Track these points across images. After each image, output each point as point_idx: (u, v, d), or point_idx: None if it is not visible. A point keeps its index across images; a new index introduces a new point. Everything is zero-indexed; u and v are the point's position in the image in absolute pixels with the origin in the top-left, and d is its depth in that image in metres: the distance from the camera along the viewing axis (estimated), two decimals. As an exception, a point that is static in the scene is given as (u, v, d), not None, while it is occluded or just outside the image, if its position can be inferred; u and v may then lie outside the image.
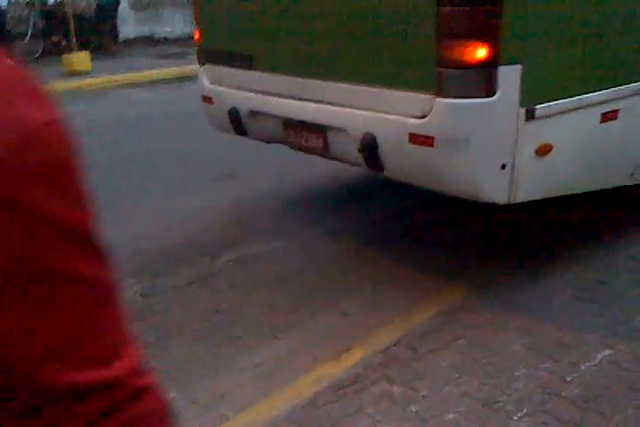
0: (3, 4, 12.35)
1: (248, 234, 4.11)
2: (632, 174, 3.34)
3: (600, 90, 2.92)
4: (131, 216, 4.53)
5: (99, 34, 13.49)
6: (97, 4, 13.38)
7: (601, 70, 2.94)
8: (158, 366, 2.77)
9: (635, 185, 3.42)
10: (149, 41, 14.81)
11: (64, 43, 12.79)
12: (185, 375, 2.72)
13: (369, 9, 2.94)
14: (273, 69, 3.56)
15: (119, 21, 13.98)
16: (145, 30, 14.90)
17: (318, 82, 3.28)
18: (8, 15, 12.67)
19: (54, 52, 12.56)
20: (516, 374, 2.54)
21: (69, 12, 11.95)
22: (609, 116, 3.01)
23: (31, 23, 12.84)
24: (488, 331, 2.85)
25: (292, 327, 3.03)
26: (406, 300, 3.16)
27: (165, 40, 15.00)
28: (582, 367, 2.54)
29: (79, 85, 10.25)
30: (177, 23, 15.28)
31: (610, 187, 3.36)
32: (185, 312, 3.23)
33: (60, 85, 10.14)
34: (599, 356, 2.61)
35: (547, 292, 3.14)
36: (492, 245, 3.73)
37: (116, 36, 13.85)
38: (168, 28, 15.23)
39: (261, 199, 4.71)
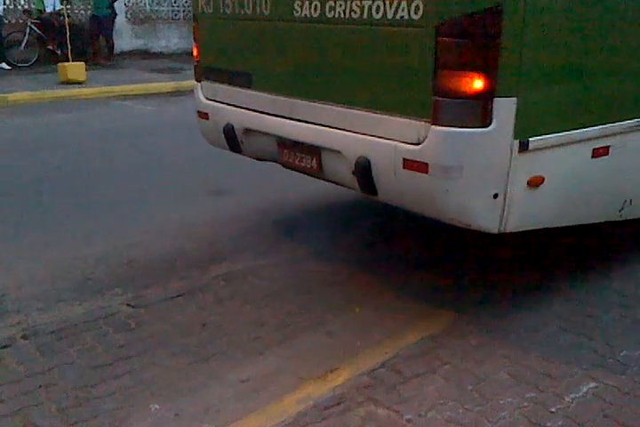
0: (-1, 10, 12.37)
1: (237, 250, 4.13)
2: (621, 210, 3.41)
3: (593, 126, 2.99)
4: (121, 227, 4.54)
5: (94, 45, 13.54)
6: (92, 15, 13.46)
7: (594, 107, 3.01)
8: (142, 379, 2.80)
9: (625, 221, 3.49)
10: (145, 54, 14.90)
11: (59, 52, 12.83)
12: (169, 388, 2.71)
13: (368, 35, 3.00)
14: (270, 89, 3.61)
15: (116, 34, 14.05)
16: (140, 44, 14.99)
17: (315, 104, 3.33)
18: (4, 22, 12.68)
19: (49, 60, 12.60)
20: (502, 402, 2.55)
21: (66, 21, 12.01)
22: (600, 152, 3.08)
23: (27, 31, 12.87)
24: (475, 358, 2.87)
25: (279, 345, 3.03)
26: (393, 323, 3.18)
27: (160, 54, 15.09)
28: (567, 399, 2.57)
29: (74, 95, 10.27)
30: (173, 38, 15.41)
31: (599, 221, 3.42)
32: (171, 325, 3.23)
33: (54, 94, 10.17)
34: (584, 388, 2.64)
35: (534, 322, 3.17)
36: (482, 273, 3.76)
37: (112, 48, 13.91)
38: (164, 43, 15.33)
39: (252, 216, 4.74)
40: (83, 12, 14.10)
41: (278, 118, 3.56)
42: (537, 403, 2.54)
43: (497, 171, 2.79)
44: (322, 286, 3.62)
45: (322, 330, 3.16)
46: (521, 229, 3.00)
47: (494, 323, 3.17)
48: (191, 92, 4.59)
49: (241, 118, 3.84)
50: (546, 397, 2.58)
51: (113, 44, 13.96)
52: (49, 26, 13.03)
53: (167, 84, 11.18)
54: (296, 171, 3.71)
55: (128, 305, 3.42)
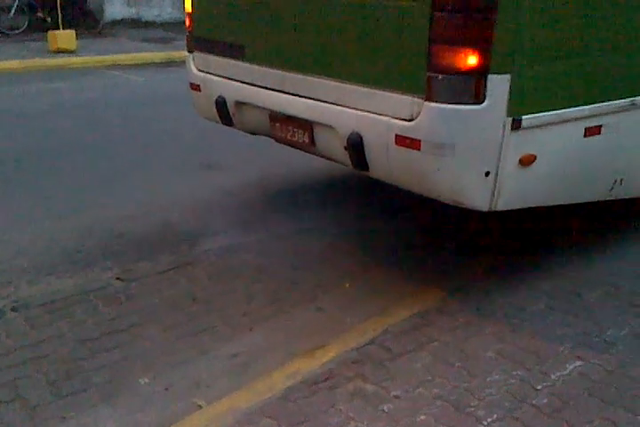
0: (-13, -24, 12.11)
1: (228, 224, 4.12)
2: (611, 189, 3.41)
3: (585, 105, 2.97)
4: (110, 199, 4.52)
5: (84, 12, 13.31)
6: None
7: (587, 86, 2.98)
8: (131, 353, 2.81)
9: (615, 200, 3.50)
10: (136, 23, 14.64)
11: (49, 19, 12.61)
12: (159, 362, 2.73)
13: (362, 8, 2.95)
14: (263, 62, 3.56)
15: (107, 2, 13.80)
16: (132, 12, 14.71)
17: (308, 77, 3.29)
18: (-7, -13, 12.43)
19: (39, 28, 12.37)
20: (488, 379, 2.58)
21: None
22: (592, 131, 3.06)
23: (16, -3, 12.62)
24: (462, 335, 2.89)
25: (268, 320, 3.05)
26: (383, 299, 3.20)
27: (153, 23, 14.84)
28: (553, 377, 2.59)
29: (64, 63, 10.13)
30: (165, 7, 15.12)
31: (590, 201, 3.43)
32: (161, 299, 3.23)
33: (45, 63, 10.02)
34: (570, 366, 2.66)
35: (522, 300, 3.19)
36: (471, 251, 3.78)
37: (102, 16, 13.66)
38: (156, 12, 15.06)
39: (244, 190, 4.72)
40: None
41: (271, 91, 3.53)
42: (523, 380, 2.57)
43: (489, 148, 2.78)
44: (312, 262, 3.63)
45: (311, 306, 3.17)
46: (512, 208, 3.00)
47: (483, 301, 3.19)
48: (183, 62, 4.53)
49: (233, 91, 3.80)
50: (532, 375, 2.61)
51: (103, 11, 13.69)
52: (38, -7, 12.78)
53: (159, 54, 11.03)
54: (288, 145, 3.68)
55: (118, 279, 3.42)
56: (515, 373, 2.62)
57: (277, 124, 3.62)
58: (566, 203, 3.29)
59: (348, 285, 3.36)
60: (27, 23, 12.76)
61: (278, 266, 3.58)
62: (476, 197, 2.87)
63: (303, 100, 3.34)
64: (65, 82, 8.92)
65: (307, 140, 3.45)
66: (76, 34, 11.13)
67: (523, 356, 2.73)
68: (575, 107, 2.94)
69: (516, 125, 2.75)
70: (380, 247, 3.82)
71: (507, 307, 3.13)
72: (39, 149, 5.66)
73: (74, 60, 10.31)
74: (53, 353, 2.78)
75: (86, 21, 13.26)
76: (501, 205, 2.90)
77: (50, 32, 11.03)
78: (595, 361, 2.70)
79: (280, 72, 3.45)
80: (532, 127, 2.81)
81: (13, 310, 3.11)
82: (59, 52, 10.61)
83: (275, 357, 2.76)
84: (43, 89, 8.41)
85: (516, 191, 2.93)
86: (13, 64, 9.72)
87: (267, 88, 3.55)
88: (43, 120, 6.72)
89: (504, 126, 2.74)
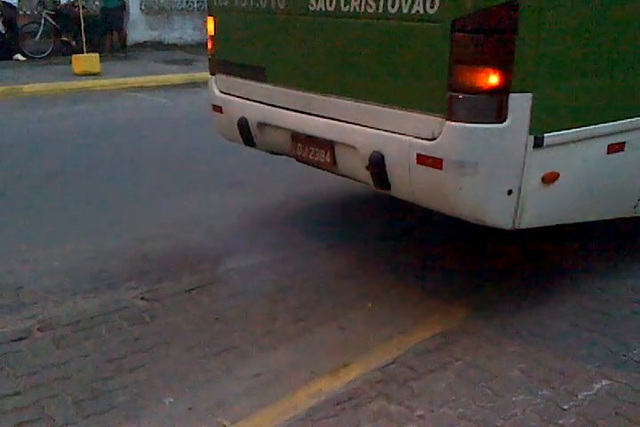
0: (14, 2, 12.42)
1: (251, 243, 4.14)
2: (635, 206, 3.39)
3: (608, 122, 2.97)
4: (135, 220, 4.57)
5: (106, 36, 13.58)
6: (102, 7, 13.49)
7: (609, 103, 2.98)
8: (156, 372, 2.83)
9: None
10: (159, 46, 14.92)
11: (74, 43, 12.88)
12: (183, 382, 2.73)
13: (383, 29, 2.99)
14: (285, 83, 3.61)
15: (130, 25, 14.08)
16: (155, 35, 15.01)
17: (329, 98, 3.32)
18: (19, 13, 12.74)
19: (64, 51, 12.65)
20: (514, 399, 2.55)
21: (80, 12, 12.06)
22: (616, 148, 3.06)
23: (42, 22, 12.92)
24: (486, 354, 2.87)
25: (291, 339, 3.05)
26: (406, 318, 3.19)
27: (174, 45, 15.10)
28: (580, 397, 2.56)
29: (88, 86, 10.32)
30: (187, 29, 15.41)
31: (613, 217, 3.40)
32: (184, 318, 3.25)
33: (69, 86, 10.22)
34: (596, 386, 2.63)
35: (546, 318, 3.17)
36: (494, 269, 3.76)
37: (124, 39, 13.93)
38: (177, 34, 15.34)
39: (265, 209, 4.76)
40: (97, 3, 14.13)
41: (292, 112, 3.56)
42: (549, 400, 2.54)
43: (511, 167, 2.78)
44: (335, 281, 3.64)
45: (334, 325, 3.17)
46: (535, 226, 2.99)
47: (507, 320, 3.17)
48: (204, 83, 4.59)
49: (255, 112, 3.85)
50: (558, 394, 2.58)
51: (125, 35, 13.98)
52: (64, 17, 13.08)
53: (181, 76, 11.21)
54: (310, 165, 3.71)
55: (142, 298, 3.44)
56: (540, 392, 2.59)
57: (299, 145, 3.65)
58: (590, 220, 3.27)
59: (370, 304, 3.35)
60: (52, 47, 13.05)
61: (300, 285, 3.59)
62: (499, 215, 2.86)
63: (324, 120, 3.37)
64: (89, 104, 9.09)
65: (328, 160, 3.48)
66: (100, 57, 11.35)
67: (548, 375, 2.71)
68: (598, 124, 2.94)
69: (539, 143, 2.76)
70: (402, 266, 3.82)
71: (531, 326, 3.10)
72: (64, 171, 5.75)
73: (98, 82, 10.51)
74: (79, 373, 2.80)
75: (110, 45, 13.51)
76: (525, 223, 2.89)
77: (74, 55, 11.27)
78: (622, 381, 2.67)
79: (301, 93, 3.49)
80: (555, 145, 2.81)
81: (40, 329, 3.15)
82: (83, 75, 10.81)
83: (298, 376, 2.76)
84: (67, 111, 8.56)
85: (539, 209, 2.92)
86: (39, 87, 9.92)
87: (288, 109, 3.59)
88: (66, 142, 6.84)
89: (526, 144, 2.74)
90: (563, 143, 2.84)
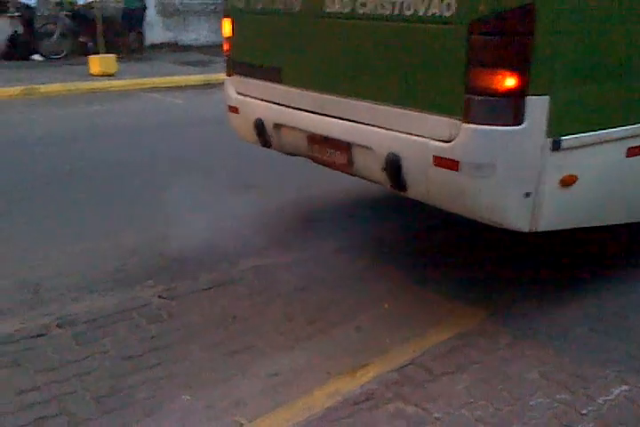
0: (32, 2, 12.53)
1: (267, 244, 4.16)
2: (655, 210, 3.38)
3: (627, 125, 2.96)
4: (152, 218, 4.61)
5: (125, 37, 13.67)
6: (123, 9, 13.58)
7: (628, 105, 2.98)
8: (173, 370, 2.85)
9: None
10: (175, 47, 15.00)
11: (91, 44, 12.98)
12: (200, 380, 2.76)
13: (399, 31, 3.00)
14: (301, 84, 3.63)
15: (146, 26, 14.16)
16: (171, 36, 15.09)
17: (345, 99, 3.34)
18: (37, 14, 12.85)
19: (81, 52, 12.75)
20: (532, 402, 2.55)
21: (98, 13, 12.15)
22: (635, 151, 3.04)
23: (59, 23, 13.02)
24: (504, 357, 2.86)
25: (308, 339, 3.06)
26: (423, 319, 3.19)
27: (190, 47, 15.18)
28: (599, 401, 2.55)
29: (104, 87, 10.39)
30: (202, 31, 15.48)
31: (632, 221, 3.39)
32: (202, 317, 3.28)
33: (86, 86, 10.30)
34: (616, 391, 2.62)
35: (565, 322, 3.16)
36: (513, 272, 3.75)
37: (142, 40, 14.02)
38: (193, 36, 15.42)
39: (283, 210, 4.78)
40: (114, 4, 14.22)
41: (308, 114, 3.58)
42: (567, 404, 2.54)
43: (529, 169, 2.78)
44: (351, 282, 3.64)
45: (351, 325, 3.18)
46: (553, 229, 2.99)
47: (524, 322, 3.16)
48: (220, 84, 4.62)
49: (271, 113, 3.87)
50: (577, 398, 2.57)
51: (143, 36, 14.07)
52: (81, 18, 13.17)
53: (196, 77, 11.25)
54: (326, 166, 3.73)
55: (160, 297, 3.47)
56: (559, 396, 2.59)
57: (315, 146, 3.67)
58: (608, 224, 3.26)
59: (387, 305, 3.36)
60: (69, 47, 13.16)
61: (317, 285, 3.60)
62: (517, 217, 2.86)
63: (341, 121, 3.38)
64: (105, 104, 9.16)
65: (345, 161, 3.49)
66: (117, 58, 11.42)
67: (567, 379, 2.70)
68: (617, 127, 2.93)
69: (556, 146, 2.75)
70: (419, 267, 3.82)
71: (549, 329, 3.10)
72: (82, 169, 5.81)
73: (114, 83, 10.58)
74: (98, 369, 2.83)
75: (127, 45, 13.60)
76: (542, 226, 2.89)
77: (91, 56, 11.35)
78: (641, 385, 2.66)
79: (317, 94, 3.51)
80: (573, 148, 2.81)
81: (59, 326, 3.18)
82: (99, 76, 10.89)
83: (314, 376, 2.77)
84: (83, 111, 8.64)
85: (556, 212, 2.92)
86: (56, 87, 10.00)
87: (305, 110, 3.61)
88: (82, 142, 6.89)
89: (543, 147, 2.74)
90: (581, 146, 2.84)
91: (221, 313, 3.31)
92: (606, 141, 2.92)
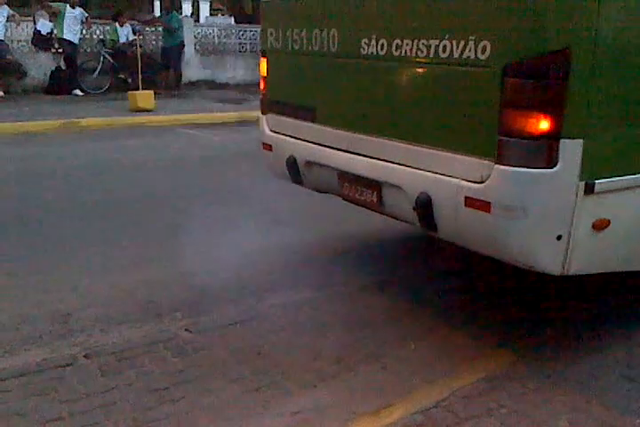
0: (75, 39, 12.99)
1: (294, 280, 4.16)
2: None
3: (662, 169, 2.94)
4: (181, 251, 4.65)
5: (163, 74, 14.05)
6: (162, 47, 14.00)
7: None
8: (197, 404, 2.83)
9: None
10: (211, 84, 15.36)
11: (130, 80, 13.36)
12: (223, 415, 2.74)
13: (433, 73, 3.04)
14: (334, 123, 3.68)
15: (184, 64, 14.55)
16: (208, 74, 15.48)
17: (378, 139, 3.37)
18: (79, 50, 13.30)
19: (120, 88, 13.12)
20: (560, 450, 2.50)
21: (138, 51, 12.54)
22: (668, 197, 3.02)
23: (101, 59, 13.46)
24: (532, 402, 2.81)
25: (333, 377, 3.04)
26: (450, 361, 3.15)
27: (226, 85, 15.53)
28: (628, 450, 2.50)
29: (142, 122, 10.63)
30: (238, 70, 15.86)
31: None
32: (227, 352, 3.27)
33: (125, 121, 10.56)
34: (646, 439, 2.56)
35: (595, 367, 3.10)
36: (541, 314, 3.69)
37: (180, 77, 14.39)
38: (230, 74, 15.79)
39: (310, 247, 4.79)
40: (154, 42, 14.69)
41: (340, 152, 3.62)
42: (597, 453, 2.47)
43: (561, 212, 2.76)
44: (378, 320, 3.62)
45: (377, 365, 3.14)
46: (585, 273, 2.95)
47: (554, 367, 3.10)
48: (254, 122, 4.70)
49: (304, 151, 3.93)
50: (606, 447, 2.51)
51: (181, 74, 14.46)
52: (122, 55, 13.60)
53: (231, 114, 11.46)
54: (356, 204, 3.75)
55: (186, 330, 3.48)
56: (588, 445, 2.52)
57: (346, 184, 3.70)
58: (642, 269, 3.21)
59: (413, 346, 3.33)
60: (109, 83, 13.56)
61: (343, 323, 3.58)
62: (548, 260, 2.83)
63: (372, 160, 3.42)
64: (142, 139, 9.36)
65: (375, 200, 3.51)
66: (155, 94, 11.72)
67: (596, 427, 2.63)
68: (652, 171, 2.91)
69: (589, 190, 2.73)
70: (445, 308, 3.79)
71: (579, 374, 3.03)
72: (116, 201, 5.91)
73: (152, 118, 10.82)
74: (122, 401, 2.84)
75: (166, 83, 13.97)
76: (574, 269, 2.85)
77: (130, 92, 11.67)
78: (674, 437, 2.57)
79: (350, 134, 3.55)
80: (606, 192, 2.79)
81: (86, 357, 3.20)
82: (138, 111, 11.16)
83: (338, 415, 2.74)
84: (121, 145, 8.84)
85: (589, 256, 2.89)
86: (96, 122, 10.27)
87: (337, 149, 3.65)
88: (119, 174, 7.04)
89: (577, 191, 2.72)
90: (614, 190, 2.82)
91: (246, 348, 3.31)
92: (640, 186, 2.90)
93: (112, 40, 13.78)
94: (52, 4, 13.25)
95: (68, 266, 4.39)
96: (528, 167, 2.71)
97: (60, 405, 2.80)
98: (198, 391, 2.92)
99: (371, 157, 3.43)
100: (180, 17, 15.41)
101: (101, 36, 14.01)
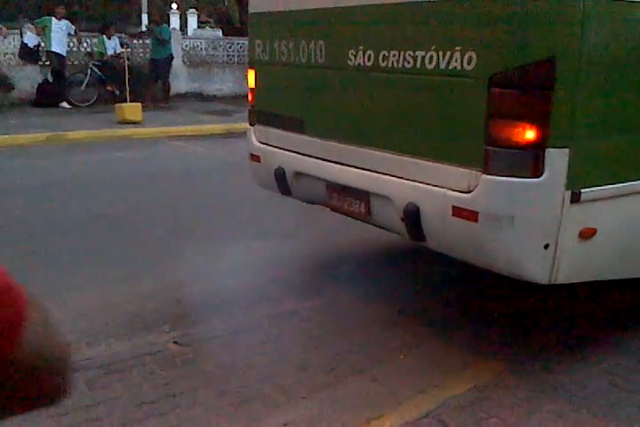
0: (63, 52, 12.97)
1: (283, 291, 4.15)
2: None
3: (647, 178, 2.97)
4: (171, 264, 4.63)
5: (151, 87, 14.04)
6: (151, 59, 14.00)
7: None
8: (186, 417, 2.80)
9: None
10: (199, 97, 15.37)
11: (118, 93, 13.34)
12: (212, 429, 2.73)
13: (420, 84, 3.06)
14: (322, 135, 3.69)
15: (172, 76, 14.55)
16: (195, 86, 15.49)
17: (365, 150, 3.39)
18: (67, 63, 13.28)
19: (108, 100, 13.09)
20: (550, 458, 2.50)
21: (125, 64, 12.53)
22: (656, 204, 3.04)
23: (88, 72, 13.44)
24: (522, 412, 2.80)
25: (322, 389, 3.02)
26: (439, 371, 3.14)
27: (214, 97, 15.54)
28: (619, 458, 2.49)
29: (130, 134, 10.60)
30: (226, 82, 15.87)
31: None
32: (216, 364, 3.25)
33: (111, 133, 10.53)
34: (636, 447, 2.56)
35: (584, 376, 3.10)
36: (532, 323, 3.70)
37: (168, 90, 14.38)
38: (217, 86, 15.80)
39: (299, 258, 4.78)
40: (142, 55, 14.69)
41: (328, 163, 3.63)
42: (587, 462, 2.47)
43: (548, 221, 2.77)
44: (367, 331, 3.61)
45: (366, 376, 3.13)
46: (572, 281, 2.96)
47: (543, 376, 3.10)
48: (242, 134, 4.71)
49: (292, 162, 3.93)
50: (597, 456, 2.50)
51: (169, 86, 14.45)
52: (109, 68, 13.58)
53: (219, 126, 11.46)
54: (344, 215, 3.75)
55: (175, 343, 3.46)
56: (578, 454, 2.52)
57: (334, 195, 3.70)
58: (629, 277, 3.22)
59: (402, 356, 3.32)
60: (96, 96, 13.52)
61: (333, 335, 3.57)
62: (535, 269, 2.84)
63: (360, 171, 3.42)
64: (129, 151, 9.33)
65: (363, 211, 3.51)
66: (142, 106, 11.71)
67: (586, 436, 2.63)
68: (636, 180, 2.93)
69: (576, 199, 2.75)
70: (436, 319, 3.78)
71: (567, 383, 3.03)
72: (104, 214, 5.88)
73: (139, 131, 10.80)
74: (109, 415, 2.81)
75: (153, 95, 13.95)
76: (561, 278, 2.86)
77: (117, 104, 11.65)
78: (664, 444, 2.57)
79: (338, 144, 3.56)
80: (592, 200, 2.80)
81: (72, 370, 3.16)
82: (125, 123, 11.14)
83: (328, 427, 2.73)
84: (108, 157, 8.80)
85: (576, 264, 2.90)
86: (83, 134, 10.23)
87: (325, 160, 3.66)
88: (107, 187, 7.00)
89: (563, 200, 2.74)
90: (600, 199, 2.84)
91: (235, 361, 3.29)
92: (626, 195, 2.92)
93: (100, 52, 13.76)
94: (37, 20, 13.26)
95: (55, 279, 4.35)
96: (514, 177, 2.73)
97: (48, 420, 2.75)
98: (186, 404, 2.89)
99: (359, 168, 3.44)
100: (170, 29, 15.44)
101: (89, 49, 14.00)
